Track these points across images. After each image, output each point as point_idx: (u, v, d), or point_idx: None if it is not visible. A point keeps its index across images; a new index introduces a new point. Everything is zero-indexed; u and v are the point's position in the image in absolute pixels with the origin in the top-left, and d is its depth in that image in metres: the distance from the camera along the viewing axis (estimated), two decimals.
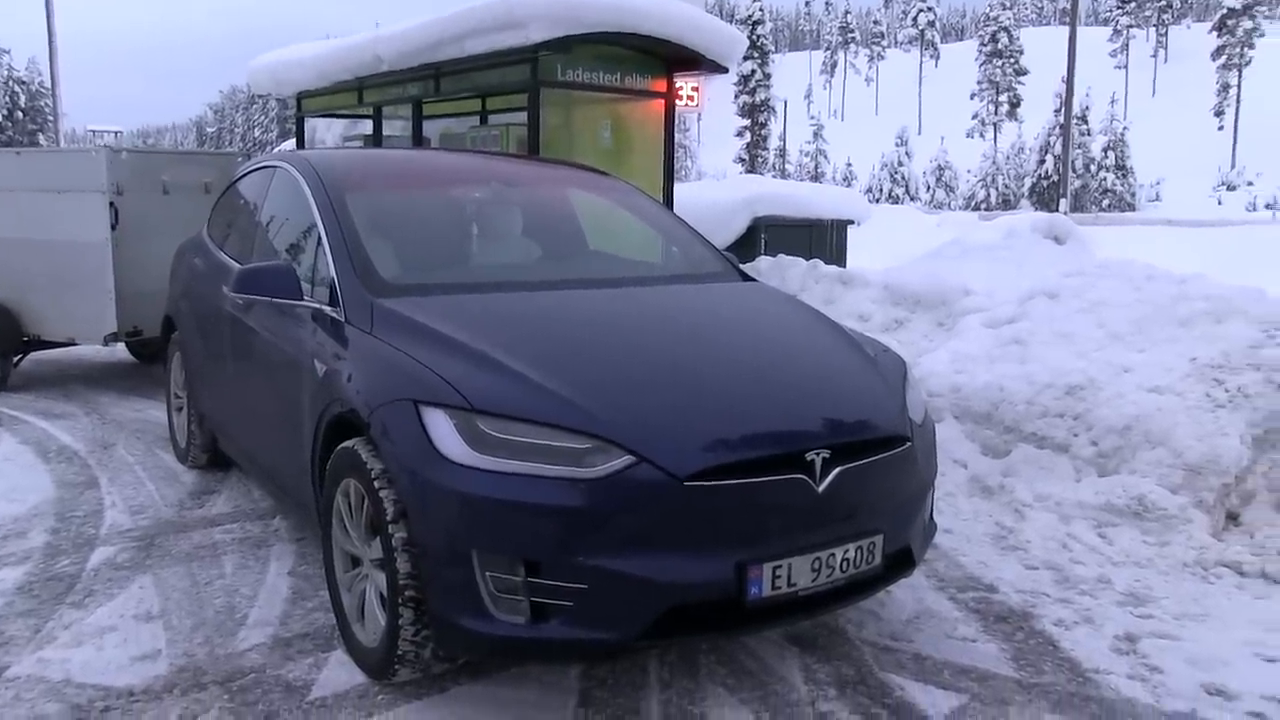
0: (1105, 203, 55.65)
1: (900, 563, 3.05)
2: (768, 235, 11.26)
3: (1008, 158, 66.16)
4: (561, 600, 2.53)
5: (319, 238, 3.54)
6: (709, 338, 3.24)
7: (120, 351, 8.66)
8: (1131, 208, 53.52)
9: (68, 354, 8.55)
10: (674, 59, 8.38)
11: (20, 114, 64.63)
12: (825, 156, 77.28)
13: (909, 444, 3.04)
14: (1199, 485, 4.38)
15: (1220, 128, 73.79)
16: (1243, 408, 4.60)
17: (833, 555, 2.74)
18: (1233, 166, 67.92)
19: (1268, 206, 45.01)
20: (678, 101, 8.85)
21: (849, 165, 74.37)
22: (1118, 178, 59.24)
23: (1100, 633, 3.43)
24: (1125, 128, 60.65)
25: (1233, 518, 4.45)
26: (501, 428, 2.60)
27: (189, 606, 3.49)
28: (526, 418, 2.62)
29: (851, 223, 12.55)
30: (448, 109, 9.67)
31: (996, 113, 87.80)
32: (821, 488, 2.71)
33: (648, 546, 2.53)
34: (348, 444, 2.95)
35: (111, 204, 6.75)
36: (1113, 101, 68.14)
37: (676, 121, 8.67)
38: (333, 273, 3.37)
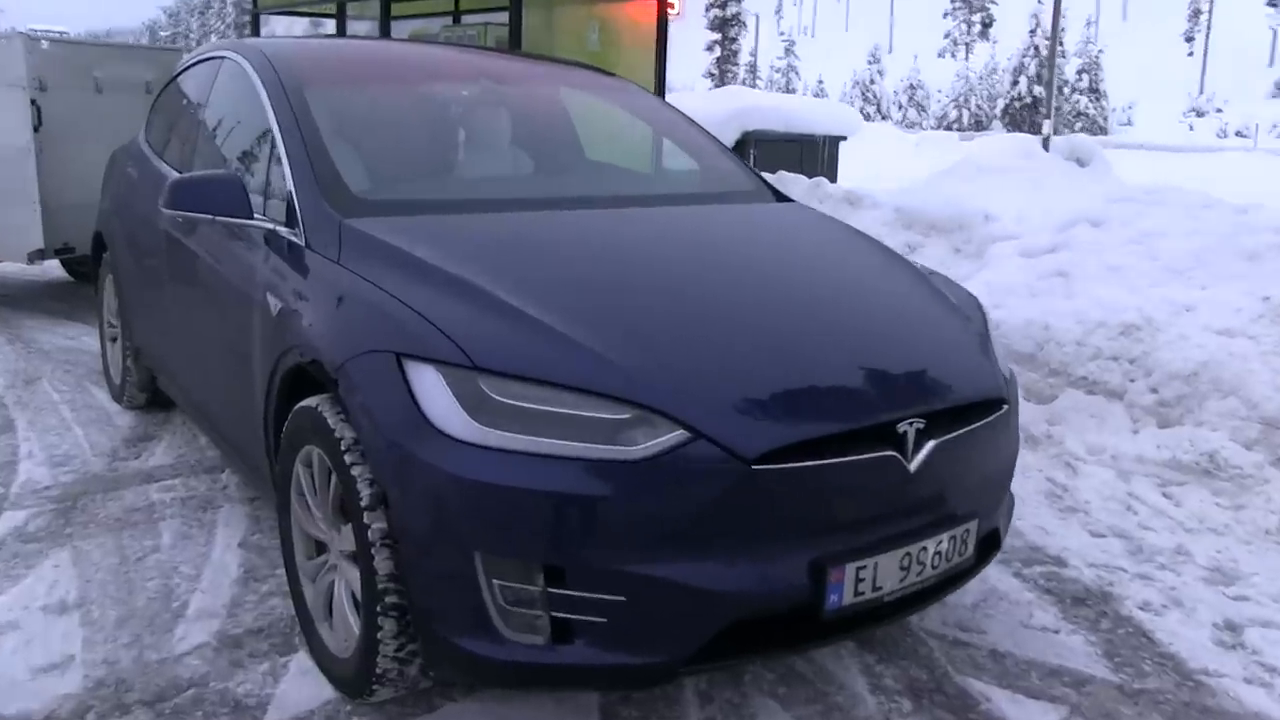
0: (1078, 126, 54.98)
1: (987, 547, 2.52)
2: (758, 151, 10.61)
3: (981, 78, 65.19)
4: (592, 616, 1.96)
5: (273, 141, 2.87)
6: (764, 275, 2.62)
7: (55, 269, 7.87)
8: (1104, 131, 52.90)
9: None
10: None
11: None
12: (796, 73, 75.77)
13: (1006, 407, 2.47)
14: (1277, 441, 3.89)
15: (1190, 53, 73.11)
16: None
17: (924, 549, 2.19)
18: (1201, 92, 67.46)
19: (1238, 134, 44.69)
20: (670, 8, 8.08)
21: (820, 83, 72.95)
22: (1091, 101, 58.52)
23: (1196, 620, 2.93)
24: (1100, 51, 59.72)
25: None
26: (513, 392, 2.00)
27: (115, 593, 2.88)
28: (546, 379, 2.01)
29: (843, 138, 11.90)
30: (419, 7, 8.82)
31: (969, 32, 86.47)
32: (914, 466, 2.15)
33: (704, 547, 1.96)
34: (309, 402, 2.34)
35: (34, 102, 5.93)
36: (1088, 24, 67.07)
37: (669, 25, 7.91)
38: (290, 185, 2.71)
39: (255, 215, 2.76)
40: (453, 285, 2.26)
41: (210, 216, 2.76)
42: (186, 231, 3.32)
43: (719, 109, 10.43)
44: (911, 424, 2.15)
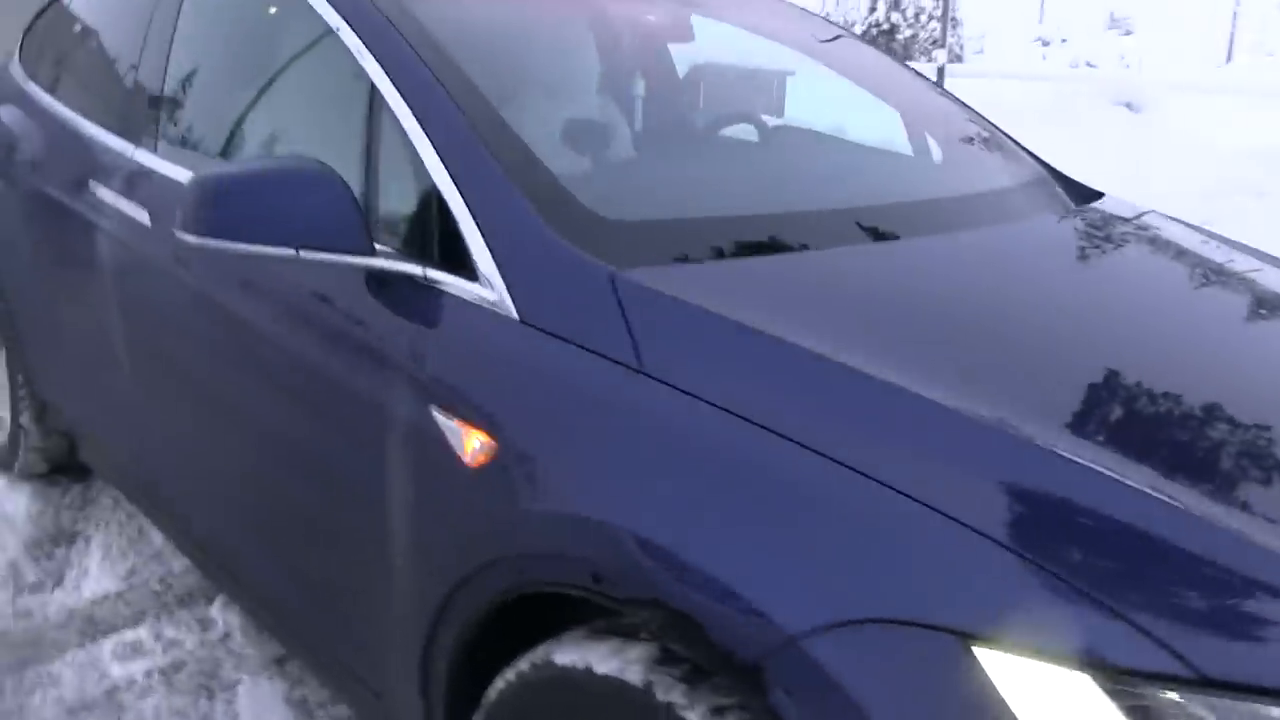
0: (934, 54, 55.66)
1: None
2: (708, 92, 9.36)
3: (837, 4, 65.22)
4: None
5: (378, 107, 1.55)
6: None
7: None
8: (959, 59, 53.68)
9: None
10: None
11: None
12: None
13: None
14: None
15: None
16: None
17: None
18: (1040, 23, 69.45)
19: (1088, 64, 46.09)
20: None
21: None
22: (941, 32, 59.25)
23: None
24: None
25: None
26: None
27: None
28: None
29: (792, 74, 10.74)
30: None
31: None
32: None
33: None
34: (573, 662, 1.16)
35: None
36: None
37: None
38: (452, 194, 1.40)
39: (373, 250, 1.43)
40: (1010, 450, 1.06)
41: (293, 252, 1.38)
42: (186, 260, 1.87)
43: None
44: None
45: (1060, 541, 0.96)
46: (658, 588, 1.06)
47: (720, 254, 1.42)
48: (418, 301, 1.40)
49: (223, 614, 2.41)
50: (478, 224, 1.36)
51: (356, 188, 1.52)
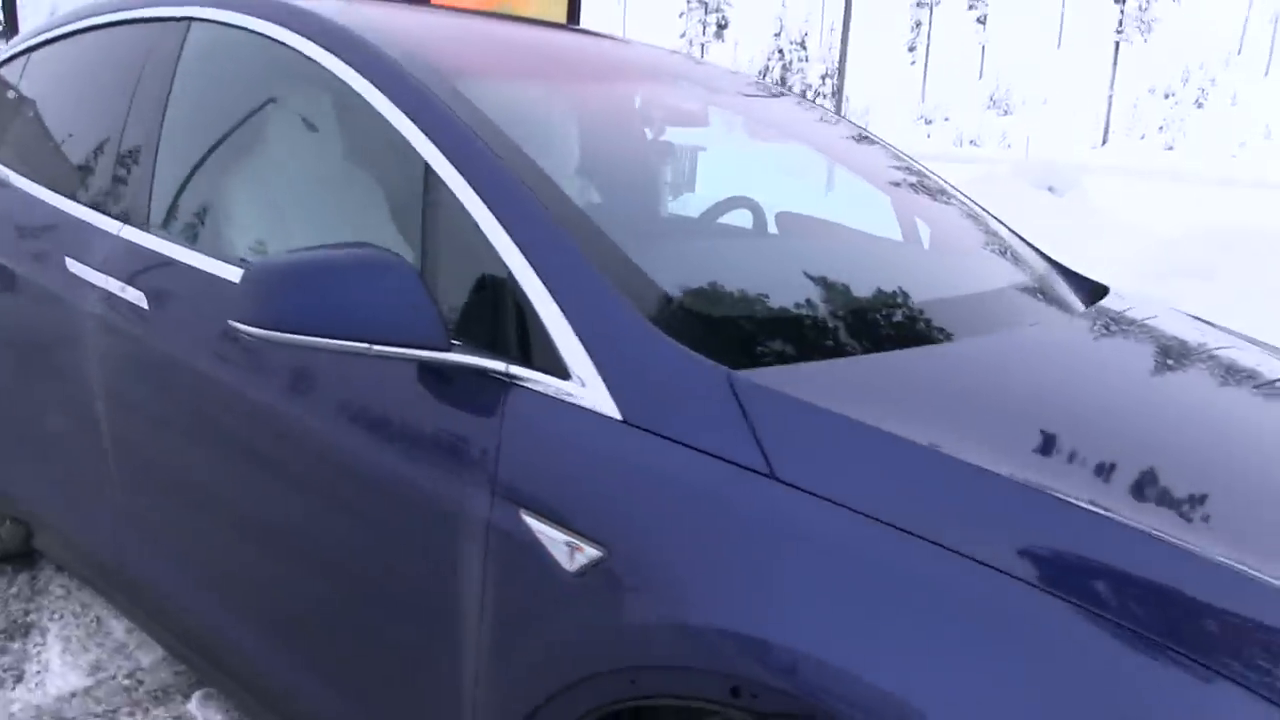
0: None
1: None
2: None
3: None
4: None
5: (431, 185, 1.53)
6: None
7: None
8: None
9: None
10: None
11: None
12: None
13: None
14: None
15: (913, 63, 78.66)
16: None
17: None
18: (923, 101, 72.81)
19: (971, 143, 48.23)
20: None
21: None
22: (834, 105, 61.30)
23: None
24: (843, 56, 62.78)
25: None
26: None
27: None
28: None
29: (703, 149, 10.99)
30: None
31: (704, 33, 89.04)
32: None
33: None
34: None
35: None
36: (830, 30, 70.64)
37: None
38: (535, 283, 1.38)
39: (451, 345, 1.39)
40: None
41: (365, 345, 1.36)
42: (224, 355, 1.76)
43: None
44: None
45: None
46: (814, 701, 1.04)
47: (816, 352, 1.41)
48: (495, 399, 1.36)
49: (202, 709, 2.31)
50: (567, 318, 1.34)
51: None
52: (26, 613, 2.72)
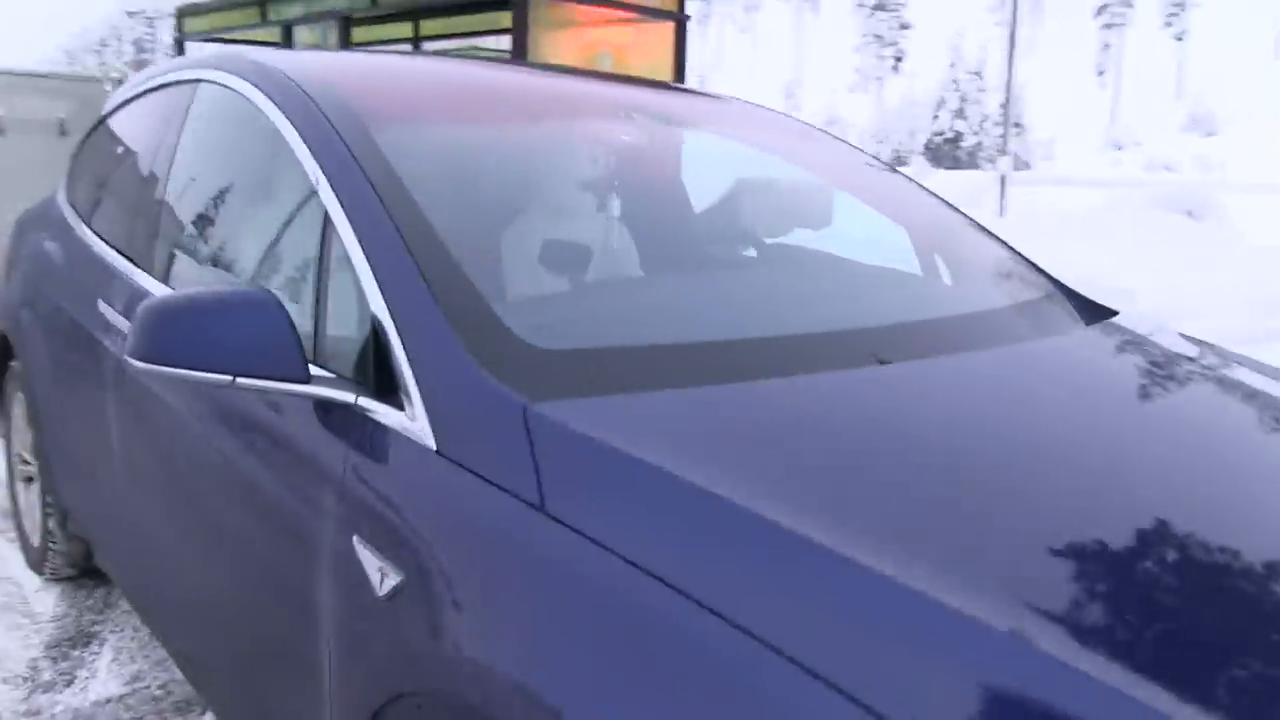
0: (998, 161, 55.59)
1: None
2: None
3: (899, 113, 66.08)
4: None
5: (326, 229, 1.63)
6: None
7: None
8: (1027, 165, 53.57)
9: None
10: None
11: None
12: None
13: None
14: None
15: (1103, 86, 75.10)
16: None
17: None
18: (1113, 124, 69.27)
19: (1165, 168, 45.53)
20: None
21: None
22: (1014, 135, 59.02)
23: None
24: (1023, 84, 60.39)
25: None
26: None
27: None
28: None
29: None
30: (384, 33, 7.57)
31: (880, 67, 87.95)
32: None
33: None
34: None
35: None
36: (1007, 58, 68.54)
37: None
38: (384, 318, 1.46)
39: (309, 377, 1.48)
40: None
41: (229, 379, 1.45)
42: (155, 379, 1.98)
43: None
44: None
45: None
46: None
47: (654, 383, 1.38)
48: (353, 428, 1.44)
49: None
50: (406, 350, 1.40)
51: (309, 315, 1.61)
52: (94, 624, 2.98)
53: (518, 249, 1.88)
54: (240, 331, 1.44)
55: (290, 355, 1.44)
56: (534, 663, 1.08)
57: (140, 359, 1.46)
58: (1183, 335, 2.07)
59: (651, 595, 1.03)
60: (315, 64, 2.17)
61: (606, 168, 2.30)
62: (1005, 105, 25.32)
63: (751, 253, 2.48)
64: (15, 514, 3.44)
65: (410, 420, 1.36)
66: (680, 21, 6.75)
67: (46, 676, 2.69)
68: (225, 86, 2.17)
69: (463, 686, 1.15)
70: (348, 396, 1.45)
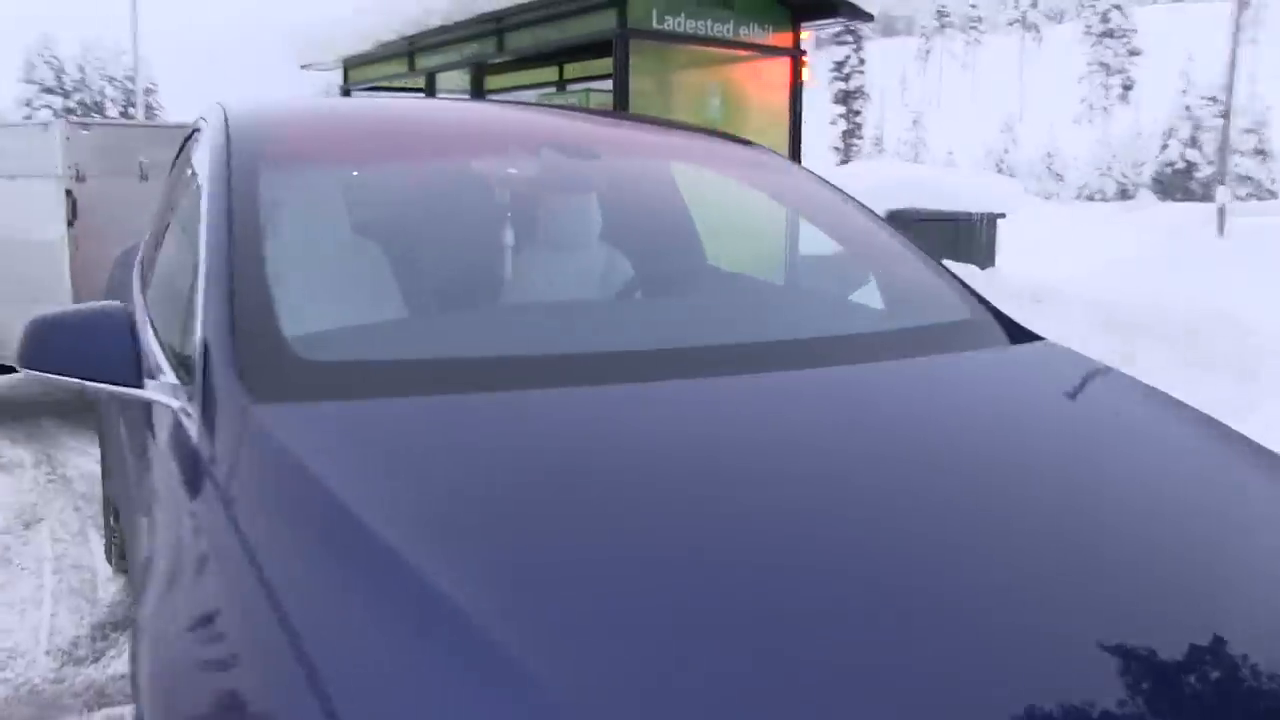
0: (1244, 191, 51.14)
1: None
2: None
3: (1125, 144, 62.27)
4: None
5: (199, 250, 1.85)
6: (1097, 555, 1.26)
7: None
8: (1273, 195, 49.06)
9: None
10: (801, 4, 6.57)
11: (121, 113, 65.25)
12: (925, 145, 74.22)
13: None
14: None
15: None
16: None
17: None
18: None
19: None
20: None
21: (950, 154, 71.07)
22: (1258, 163, 54.16)
23: None
24: (1268, 108, 55.32)
25: None
26: None
27: None
28: None
29: (1002, 216, 10.52)
30: (517, 79, 8.00)
31: (1107, 96, 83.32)
32: None
33: None
34: None
35: (69, 192, 5.20)
36: (1251, 79, 63.29)
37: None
38: (198, 322, 1.65)
39: (157, 378, 1.70)
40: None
41: (80, 383, 1.66)
42: None
43: (858, 185, 9.26)
44: None
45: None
46: None
47: (388, 386, 1.51)
48: (168, 427, 1.66)
49: None
50: (209, 356, 1.56)
51: (179, 330, 1.84)
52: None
53: (348, 273, 2.03)
54: (92, 341, 1.67)
55: (125, 361, 1.65)
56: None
57: (24, 366, 1.71)
58: (1101, 368, 1.96)
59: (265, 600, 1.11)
60: (272, 110, 2.43)
61: (475, 199, 2.40)
62: (1224, 130, 23.58)
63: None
64: (103, 506, 3.89)
65: (191, 415, 1.54)
66: (795, 57, 6.78)
67: (81, 652, 3.05)
68: (202, 130, 2.46)
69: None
70: (173, 401, 1.64)
